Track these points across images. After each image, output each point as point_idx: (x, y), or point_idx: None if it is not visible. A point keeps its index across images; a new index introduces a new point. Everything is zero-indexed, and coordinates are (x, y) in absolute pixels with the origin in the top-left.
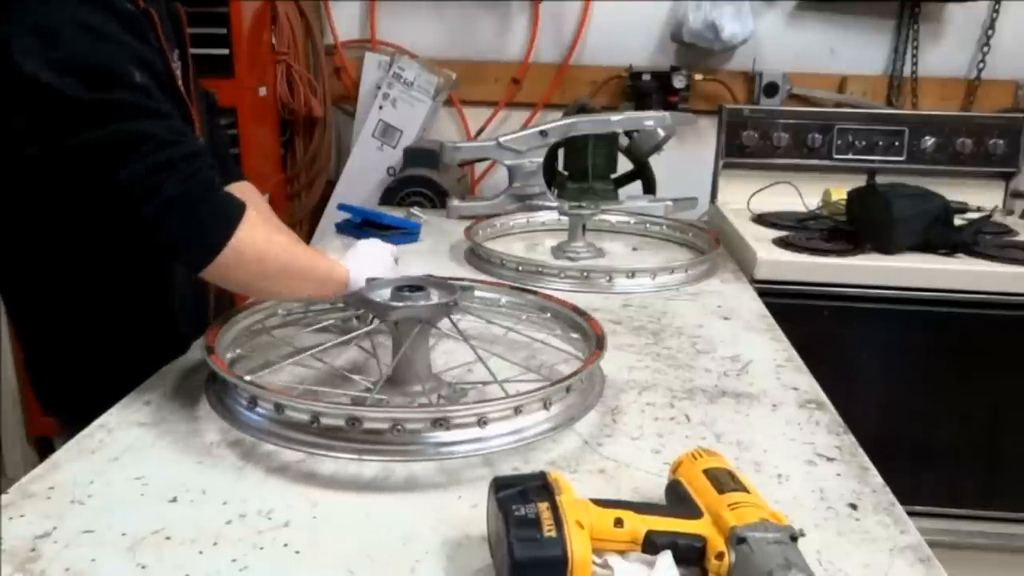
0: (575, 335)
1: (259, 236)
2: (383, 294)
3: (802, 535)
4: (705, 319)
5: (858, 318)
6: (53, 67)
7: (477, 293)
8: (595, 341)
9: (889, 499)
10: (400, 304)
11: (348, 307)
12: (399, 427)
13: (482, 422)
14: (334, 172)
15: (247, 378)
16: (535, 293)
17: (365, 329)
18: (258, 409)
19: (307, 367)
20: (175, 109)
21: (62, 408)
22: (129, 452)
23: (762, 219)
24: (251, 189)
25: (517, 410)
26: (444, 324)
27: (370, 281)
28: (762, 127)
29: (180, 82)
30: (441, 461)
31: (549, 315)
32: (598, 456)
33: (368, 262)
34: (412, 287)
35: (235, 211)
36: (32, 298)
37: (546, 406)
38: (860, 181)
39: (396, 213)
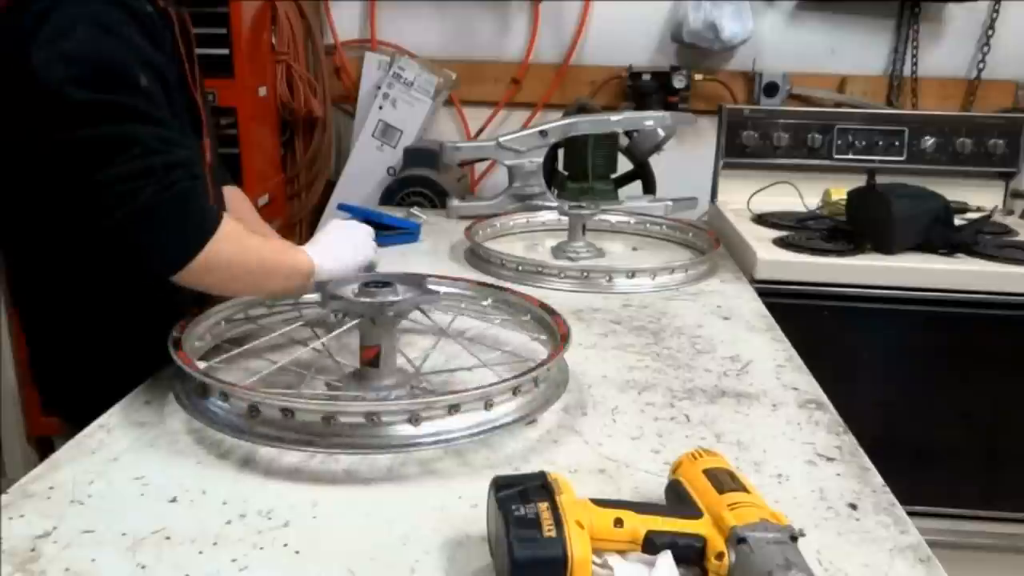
0: (540, 328)
1: (230, 246)
2: (350, 290)
3: (802, 535)
4: (705, 319)
5: (858, 318)
6: (61, 60)
7: (435, 287)
8: (558, 335)
9: (889, 499)
10: (374, 299)
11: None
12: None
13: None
14: (334, 172)
15: (229, 381)
16: (493, 287)
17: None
18: (222, 404)
19: (266, 361)
20: (187, 113)
21: (66, 407)
22: (129, 452)
23: (762, 219)
24: (240, 196)
25: (487, 404)
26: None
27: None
28: (762, 127)
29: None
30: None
31: (512, 308)
32: (598, 456)
33: (332, 249)
34: (378, 283)
35: (211, 220)
36: (40, 297)
37: (515, 392)
38: (860, 181)
39: (396, 213)
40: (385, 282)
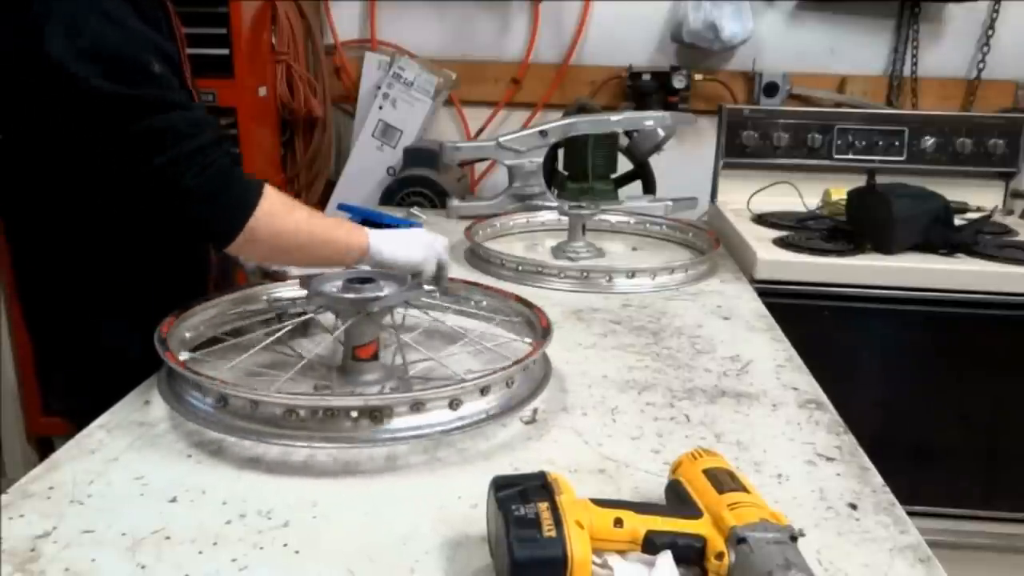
0: (518, 320)
1: (276, 214)
2: (335, 286)
3: (802, 535)
4: (705, 319)
5: (858, 318)
6: (78, 56)
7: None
8: (541, 331)
9: (889, 499)
10: (357, 295)
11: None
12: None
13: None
14: (334, 172)
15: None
16: (479, 285)
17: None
18: (207, 400)
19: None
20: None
21: (70, 407)
22: (129, 452)
23: (762, 219)
24: None
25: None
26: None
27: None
28: (762, 127)
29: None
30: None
31: (496, 305)
32: (598, 456)
33: (395, 237)
34: (362, 280)
35: (252, 195)
36: (46, 295)
37: (507, 384)
38: (860, 181)
39: (396, 213)
40: (369, 279)
